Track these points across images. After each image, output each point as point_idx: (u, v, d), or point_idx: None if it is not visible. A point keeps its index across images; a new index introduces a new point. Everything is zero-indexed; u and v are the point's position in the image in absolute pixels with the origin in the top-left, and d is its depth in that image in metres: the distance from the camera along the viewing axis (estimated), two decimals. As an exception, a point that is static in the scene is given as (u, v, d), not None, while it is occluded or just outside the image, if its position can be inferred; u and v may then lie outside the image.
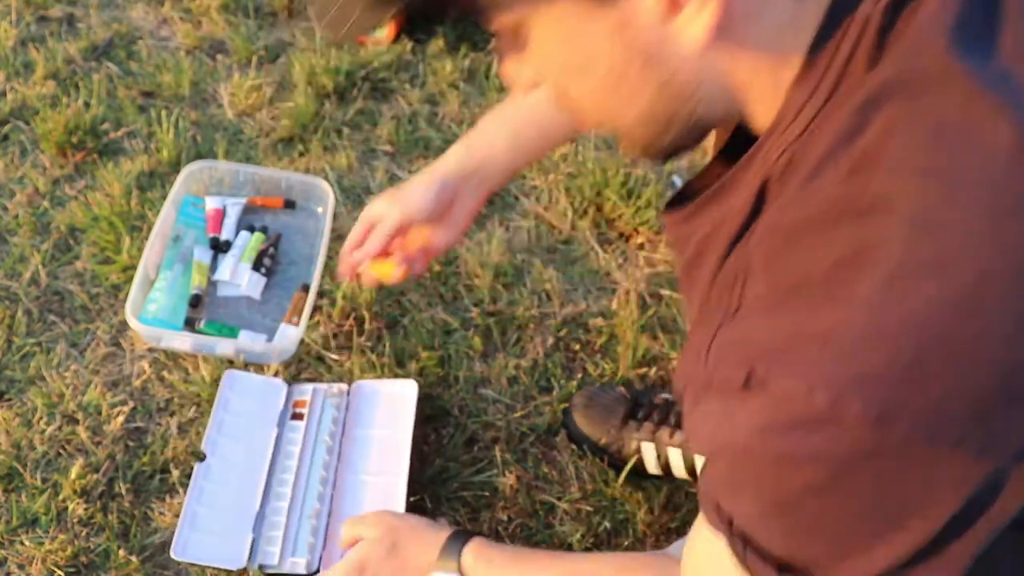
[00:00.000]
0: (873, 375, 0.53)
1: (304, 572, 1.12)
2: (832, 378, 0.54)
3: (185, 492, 1.18)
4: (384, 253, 1.13)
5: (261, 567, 1.12)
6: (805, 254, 0.58)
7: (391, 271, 1.12)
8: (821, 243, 0.57)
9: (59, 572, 1.11)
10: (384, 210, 1.12)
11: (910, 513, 0.57)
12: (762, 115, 0.65)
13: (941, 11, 0.57)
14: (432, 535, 1.03)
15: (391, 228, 1.11)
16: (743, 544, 0.63)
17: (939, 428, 0.53)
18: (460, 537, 1.01)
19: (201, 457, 1.21)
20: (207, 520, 1.16)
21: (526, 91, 0.71)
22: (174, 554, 1.12)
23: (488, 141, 1.11)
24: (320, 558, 1.14)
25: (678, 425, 1.22)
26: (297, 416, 1.28)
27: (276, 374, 1.33)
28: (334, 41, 0.60)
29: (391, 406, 1.28)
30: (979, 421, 0.54)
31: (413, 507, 1.19)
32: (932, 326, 0.53)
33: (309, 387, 1.31)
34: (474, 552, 0.99)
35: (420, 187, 1.10)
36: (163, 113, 1.68)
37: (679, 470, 1.22)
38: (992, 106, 0.55)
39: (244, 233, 1.49)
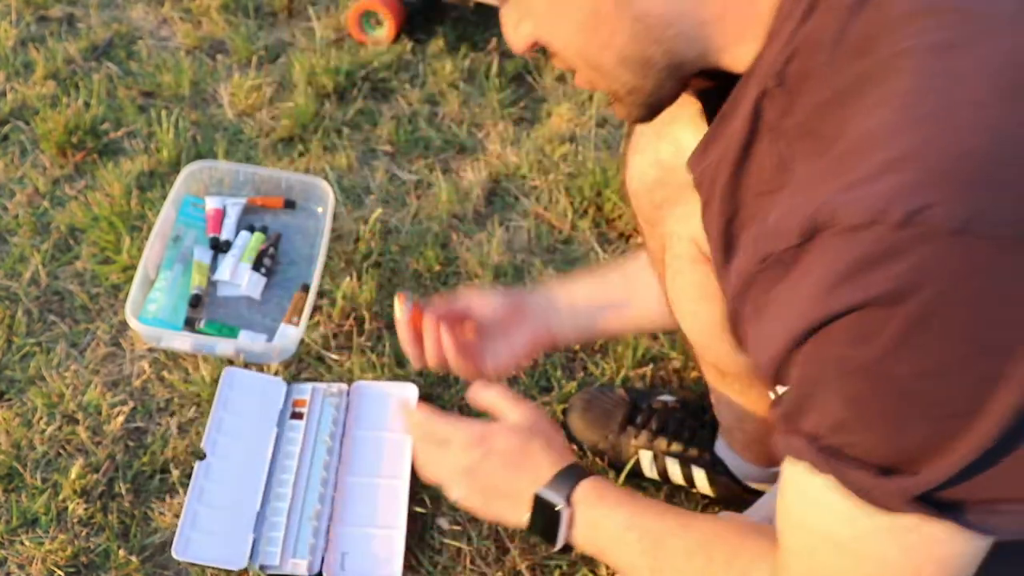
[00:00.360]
0: (945, 177, 0.49)
1: (305, 574, 1.12)
2: (902, 191, 0.49)
3: (185, 492, 1.18)
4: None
5: (262, 567, 1.12)
6: (839, 112, 0.56)
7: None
8: (842, 100, 0.56)
9: (59, 572, 1.11)
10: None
11: (1011, 355, 0.51)
12: (742, 47, 0.65)
13: None
14: (555, 457, 0.92)
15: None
16: (836, 458, 0.58)
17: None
18: (578, 469, 0.91)
19: (201, 456, 1.21)
20: (208, 519, 1.16)
21: (522, 50, 0.73)
22: (175, 553, 1.11)
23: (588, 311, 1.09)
24: (321, 559, 1.14)
25: (676, 434, 1.21)
26: (297, 415, 1.28)
27: (276, 374, 1.33)
28: None
29: (391, 408, 1.28)
30: None
31: (413, 509, 1.19)
32: (996, 120, 0.51)
33: (308, 387, 1.31)
34: (589, 486, 0.89)
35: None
36: (163, 113, 1.68)
37: (676, 477, 1.22)
38: None
39: (244, 233, 1.49)
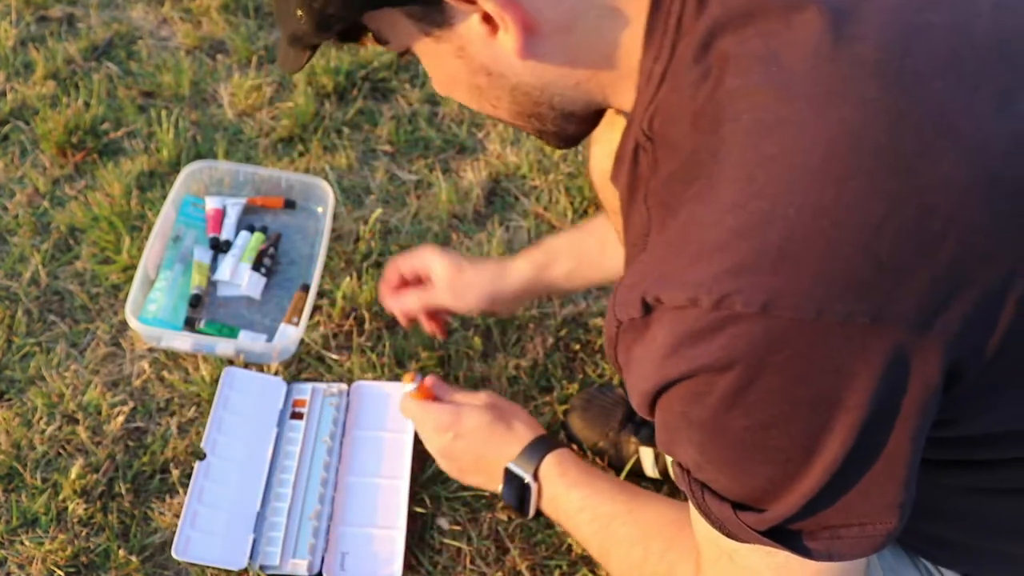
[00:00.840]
0: (745, 268, 0.56)
1: (305, 574, 1.12)
2: (709, 280, 0.57)
3: (185, 492, 1.18)
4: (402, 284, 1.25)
5: (262, 568, 1.12)
6: (679, 187, 0.62)
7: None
8: (689, 172, 0.62)
9: (59, 572, 1.11)
10: (439, 281, 1.20)
11: (830, 407, 0.58)
12: (623, 96, 0.71)
13: None
14: (522, 432, 1.04)
15: (434, 307, 1.22)
16: (702, 491, 0.66)
17: (823, 305, 0.56)
18: (545, 443, 1.01)
19: (201, 456, 1.21)
20: (208, 520, 1.16)
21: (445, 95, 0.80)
22: (175, 554, 1.11)
23: (554, 275, 1.19)
24: (321, 559, 1.14)
25: None
26: (297, 415, 1.28)
27: (276, 374, 1.33)
28: (286, 72, 0.72)
29: (391, 408, 1.28)
30: (859, 291, 0.56)
31: (413, 509, 1.19)
32: (789, 211, 0.56)
33: (308, 387, 1.31)
34: (554, 461, 0.99)
35: (477, 294, 1.19)
36: (163, 113, 1.68)
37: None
38: (810, 7, 0.60)
39: (244, 233, 1.49)
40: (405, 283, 1.25)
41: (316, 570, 1.13)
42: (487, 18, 0.65)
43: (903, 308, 0.56)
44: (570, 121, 0.75)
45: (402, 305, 1.24)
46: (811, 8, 0.61)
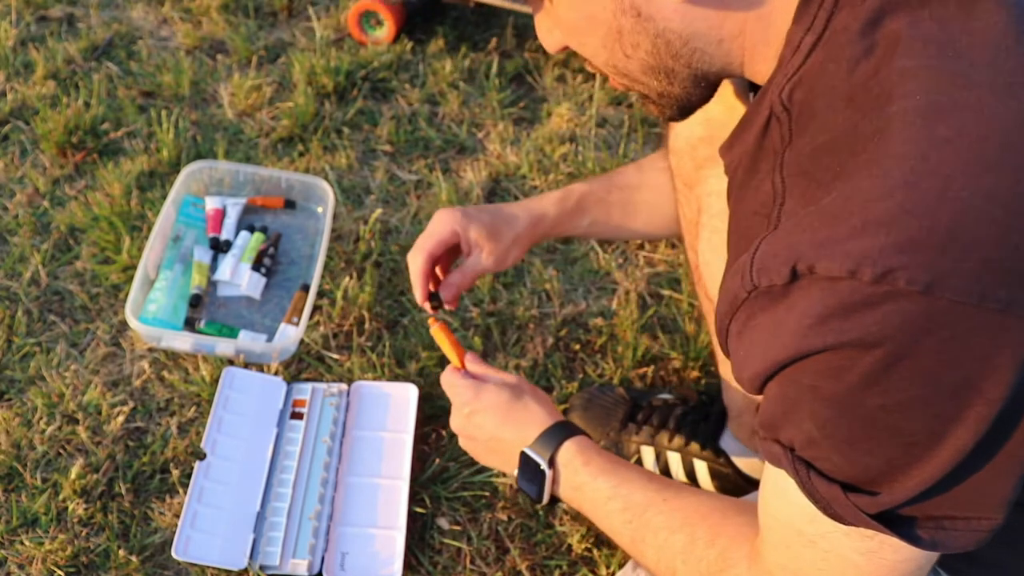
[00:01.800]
0: (914, 245, 0.55)
1: (305, 574, 1.12)
2: (875, 253, 0.55)
3: (185, 492, 1.18)
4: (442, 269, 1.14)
5: (262, 568, 1.12)
6: (830, 159, 0.61)
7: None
8: (843, 146, 0.60)
9: (59, 572, 1.11)
10: (475, 248, 1.11)
11: (967, 395, 0.57)
12: (761, 64, 0.69)
13: None
14: (541, 416, 0.98)
15: (482, 275, 1.13)
16: (807, 470, 0.64)
17: (985, 291, 0.54)
18: (564, 429, 0.96)
19: (201, 456, 1.21)
20: (208, 520, 1.16)
21: (554, 52, 0.78)
22: (175, 554, 1.11)
23: (576, 224, 1.16)
24: (322, 559, 1.14)
25: (677, 429, 1.22)
26: (297, 415, 1.28)
27: (276, 374, 1.33)
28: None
29: (391, 408, 1.28)
30: (1022, 281, 0.55)
31: (413, 509, 1.19)
32: (963, 193, 0.55)
33: (308, 387, 1.31)
34: (574, 449, 0.94)
35: (519, 249, 1.13)
36: (163, 113, 1.68)
37: (678, 474, 1.22)
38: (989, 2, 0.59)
39: (244, 233, 1.49)
40: (431, 269, 1.12)
41: (316, 570, 1.13)
42: None
43: None
44: (699, 85, 0.73)
45: (452, 291, 1.11)
46: (990, 0, 0.60)
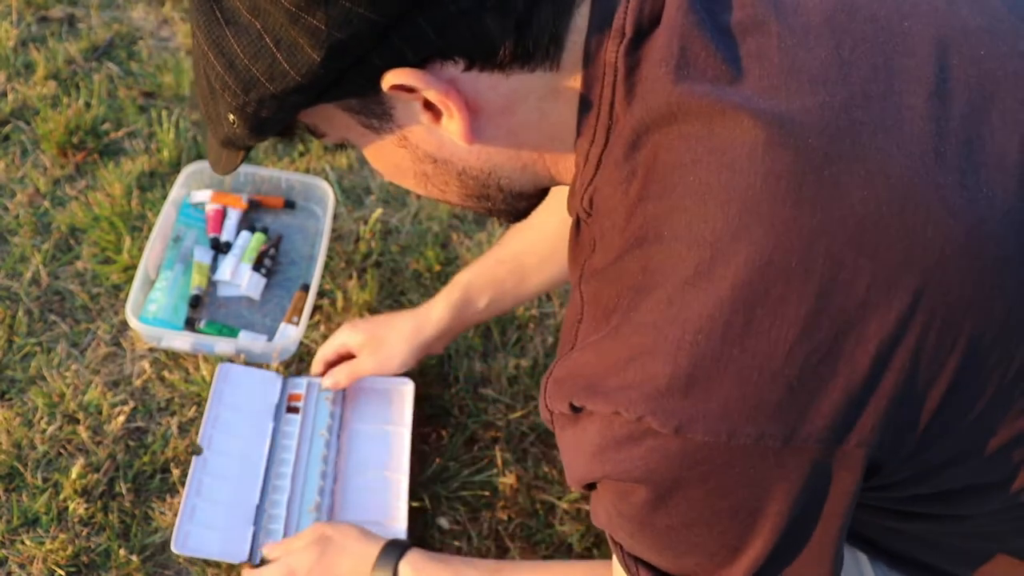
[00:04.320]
0: (658, 392, 0.58)
1: None
2: (628, 400, 0.59)
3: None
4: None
5: (263, 560, 1.12)
6: (611, 288, 0.64)
7: None
8: (618, 276, 0.64)
9: (60, 572, 1.11)
10: (360, 353, 1.25)
11: (751, 515, 0.61)
12: (568, 175, 0.71)
13: (665, 50, 0.62)
14: (363, 546, 1.04)
15: (362, 375, 1.25)
16: (636, 566, 0.69)
17: (733, 428, 0.57)
18: (396, 548, 1.02)
19: (198, 451, 1.21)
20: (207, 514, 1.16)
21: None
22: (175, 548, 1.11)
23: (474, 311, 1.21)
24: None
25: None
26: (293, 409, 1.28)
27: (276, 371, 1.33)
28: (219, 173, 0.70)
29: (388, 402, 1.28)
30: (769, 415, 0.57)
31: (413, 508, 1.19)
32: (699, 337, 0.58)
33: (304, 380, 1.31)
34: (412, 563, 1.00)
35: (401, 354, 1.23)
36: (164, 113, 1.68)
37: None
38: (733, 113, 0.60)
39: (245, 233, 1.49)
40: (325, 371, 1.29)
41: None
42: (428, 105, 0.64)
43: (815, 427, 0.58)
44: (520, 199, 0.75)
45: (333, 380, 1.26)
46: (730, 112, 0.60)
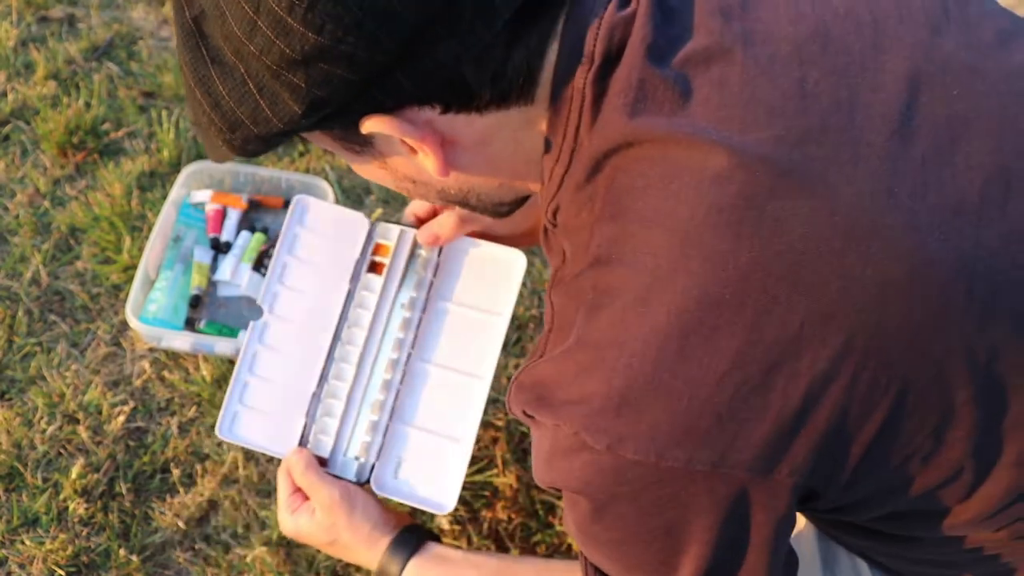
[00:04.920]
0: (593, 410, 0.60)
1: (353, 479, 0.95)
2: (569, 414, 0.62)
3: (186, 492, 1.18)
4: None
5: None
6: (572, 303, 0.67)
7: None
8: (578, 292, 0.66)
9: (60, 572, 1.11)
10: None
11: (681, 534, 0.63)
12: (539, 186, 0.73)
13: (625, 82, 0.62)
14: (373, 545, 0.94)
15: (472, 228, 1.02)
16: (594, 572, 0.71)
17: (663, 450, 0.59)
18: (407, 545, 0.93)
19: (258, 314, 1.03)
20: (258, 394, 1.00)
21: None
22: (220, 432, 0.98)
23: None
24: (372, 468, 0.96)
25: None
26: (375, 267, 1.03)
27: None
28: (215, 160, 0.71)
29: (490, 279, 1.02)
30: (697, 440, 0.58)
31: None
32: (633, 360, 0.59)
33: (396, 229, 1.03)
34: (418, 565, 0.92)
35: (530, 218, 1.08)
36: (164, 113, 1.68)
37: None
38: (687, 142, 0.61)
39: (245, 233, 1.49)
40: None
41: (365, 477, 0.96)
42: (405, 142, 0.66)
43: (744, 456, 0.58)
44: (500, 206, 0.78)
45: (432, 232, 1.00)
46: (684, 142, 0.61)
